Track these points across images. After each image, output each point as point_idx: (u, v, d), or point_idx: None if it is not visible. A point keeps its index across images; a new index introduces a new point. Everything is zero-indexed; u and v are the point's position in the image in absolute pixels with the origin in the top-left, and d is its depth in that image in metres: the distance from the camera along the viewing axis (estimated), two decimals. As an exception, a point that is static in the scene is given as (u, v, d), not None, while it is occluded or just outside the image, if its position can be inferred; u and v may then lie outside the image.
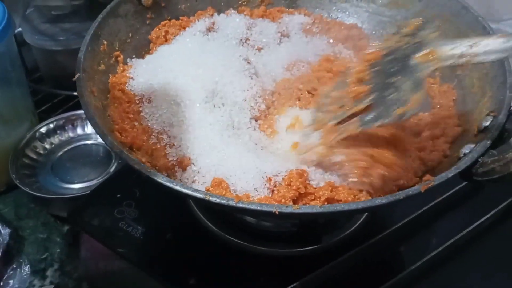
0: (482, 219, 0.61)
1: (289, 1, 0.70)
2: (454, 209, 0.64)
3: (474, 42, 0.41)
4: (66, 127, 0.79)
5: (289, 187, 0.43)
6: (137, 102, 0.52)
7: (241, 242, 0.56)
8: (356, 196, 0.43)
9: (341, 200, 0.42)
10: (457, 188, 0.63)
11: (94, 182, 0.71)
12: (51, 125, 0.78)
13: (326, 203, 0.42)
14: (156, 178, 0.39)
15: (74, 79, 0.49)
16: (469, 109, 0.52)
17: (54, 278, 0.66)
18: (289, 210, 0.37)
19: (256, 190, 0.43)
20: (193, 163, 0.46)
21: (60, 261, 0.68)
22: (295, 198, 0.42)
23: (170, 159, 0.47)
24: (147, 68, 0.56)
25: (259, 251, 0.56)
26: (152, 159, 0.47)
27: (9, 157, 0.71)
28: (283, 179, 0.44)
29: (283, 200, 0.42)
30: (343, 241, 0.57)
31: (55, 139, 0.78)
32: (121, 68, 0.57)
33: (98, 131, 0.43)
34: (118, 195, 0.61)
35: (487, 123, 0.45)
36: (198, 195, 0.38)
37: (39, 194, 0.67)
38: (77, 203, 0.61)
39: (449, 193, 0.63)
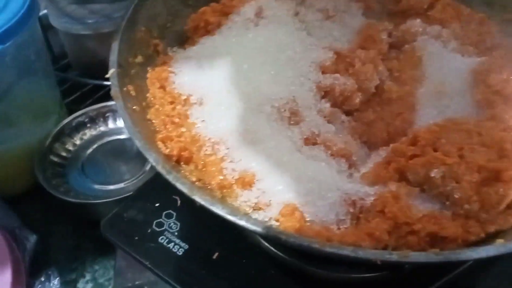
0: None
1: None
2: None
3: None
4: (96, 120, 0.72)
5: (382, 214, 0.34)
6: (183, 103, 0.44)
7: (298, 262, 0.48)
8: (466, 229, 0.34)
9: (447, 238, 0.33)
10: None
11: (128, 183, 0.65)
12: (81, 119, 0.71)
13: (428, 239, 0.33)
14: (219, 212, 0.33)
15: (108, 75, 0.41)
16: None
17: (86, 290, 0.60)
18: (394, 258, 0.29)
19: (338, 218, 0.35)
20: (257, 181, 0.38)
21: (92, 271, 0.63)
22: (390, 230, 0.34)
23: (227, 175, 0.38)
24: (191, 63, 0.47)
25: (319, 274, 0.48)
26: (204, 174, 0.39)
27: (35, 155, 0.65)
28: (371, 204, 0.35)
29: (377, 233, 0.33)
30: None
31: (85, 134, 0.72)
32: (161, 60, 0.48)
33: (140, 145, 0.36)
34: (157, 204, 0.54)
35: None
36: (271, 233, 0.30)
37: (68, 199, 0.61)
38: (109, 209, 0.54)
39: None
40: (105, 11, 0.75)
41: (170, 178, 0.35)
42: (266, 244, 0.50)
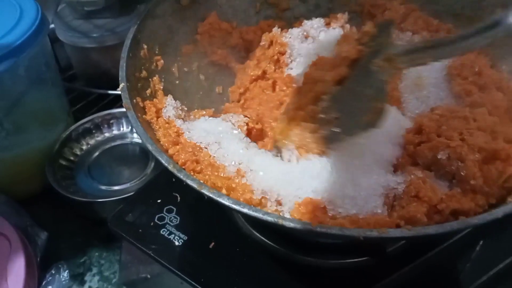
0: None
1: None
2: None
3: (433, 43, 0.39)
4: (101, 127, 0.77)
5: (417, 199, 0.39)
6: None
7: (288, 251, 0.53)
8: (475, 202, 0.39)
9: (463, 212, 0.39)
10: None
11: (131, 183, 0.70)
12: (87, 125, 0.76)
13: (450, 216, 0.39)
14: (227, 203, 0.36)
15: (118, 89, 0.46)
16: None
17: (93, 283, 0.65)
18: (375, 234, 0.33)
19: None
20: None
21: (98, 265, 0.66)
22: (426, 212, 0.39)
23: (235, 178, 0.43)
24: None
25: (308, 262, 0.53)
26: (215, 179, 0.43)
27: (45, 159, 0.70)
28: (404, 191, 0.40)
29: (418, 216, 0.38)
30: (400, 251, 0.53)
31: (91, 139, 0.76)
32: (155, 89, 0.52)
33: (152, 149, 0.40)
34: (159, 200, 0.58)
35: None
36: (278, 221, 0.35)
37: (77, 198, 0.65)
38: (114, 207, 0.59)
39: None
40: (109, 25, 0.80)
41: (182, 175, 0.39)
42: (258, 234, 0.54)
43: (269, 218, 0.35)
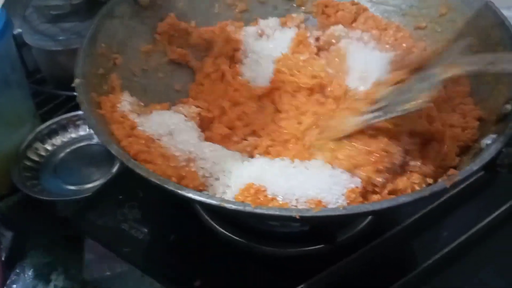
0: (498, 212, 0.59)
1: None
2: (467, 202, 0.62)
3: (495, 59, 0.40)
4: (68, 128, 0.78)
5: None
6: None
7: (247, 242, 0.55)
8: (414, 183, 0.42)
9: (400, 190, 0.41)
10: (471, 180, 0.61)
11: (97, 182, 0.70)
12: (53, 126, 0.76)
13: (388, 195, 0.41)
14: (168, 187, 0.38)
15: (73, 85, 0.47)
16: (484, 97, 0.50)
17: (58, 281, 0.65)
18: (310, 213, 0.35)
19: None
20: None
21: (64, 264, 0.67)
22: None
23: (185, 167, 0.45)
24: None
25: (266, 251, 0.55)
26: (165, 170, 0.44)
27: (10, 160, 0.70)
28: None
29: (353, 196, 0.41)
30: (351, 239, 0.55)
31: (57, 140, 0.77)
32: (112, 85, 0.53)
33: (103, 140, 0.42)
34: (121, 197, 0.60)
35: (507, 111, 0.44)
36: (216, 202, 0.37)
37: (41, 197, 0.66)
38: (79, 205, 0.60)
39: (462, 185, 0.61)
40: (75, 28, 0.81)
41: (130, 164, 0.41)
42: (218, 227, 0.56)
43: (213, 202, 0.37)
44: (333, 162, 0.44)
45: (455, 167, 0.45)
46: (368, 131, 0.44)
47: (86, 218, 0.57)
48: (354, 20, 0.62)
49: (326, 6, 0.64)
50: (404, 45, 0.58)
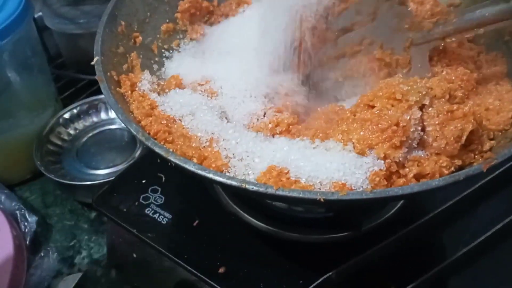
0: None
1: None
2: (500, 191, 0.59)
3: None
4: (89, 112, 0.78)
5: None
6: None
7: (272, 228, 0.53)
8: (439, 164, 0.39)
9: (427, 175, 0.39)
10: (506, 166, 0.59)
11: (119, 167, 0.70)
12: (75, 111, 0.77)
13: (414, 180, 0.39)
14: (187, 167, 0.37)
15: (92, 62, 0.46)
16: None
17: (82, 265, 0.65)
18: (335, 197, 0.34)
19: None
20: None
21: (88, 248, 0.67)
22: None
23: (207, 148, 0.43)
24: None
25: (291, 238, 0.53)
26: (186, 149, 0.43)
27: (33, 145, 0.70)
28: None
29: (377, 179, 0.38)
30: (380, 226, 0.53)
31: (79, 125, 0.77)
32: (132, 64, 0.52)
33: (122, 118, 0.41)
34: (144, 181, 0.59)
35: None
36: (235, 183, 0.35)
37: (64, 181, 0.66)
38: (102, 190, 0.59)
39: (494, 174, 0.58)
40: (96, 11, 0.80)
41: (149, 143, 0.39)
42: (241, 211, 0.55)
43: (233, 183, 0.35)
44: (347, 144, 0.42)
45: (486, 152, 0.42)
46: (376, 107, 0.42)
47: (109, 203, 0.56)
48: None
49: None
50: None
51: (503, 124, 0.43)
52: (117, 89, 0.47)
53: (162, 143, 0.43)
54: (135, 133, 0.40)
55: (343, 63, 0.53)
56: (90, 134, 0.76)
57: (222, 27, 0.60)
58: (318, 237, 0.53)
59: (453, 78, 0.45)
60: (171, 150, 0.39)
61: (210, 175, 0.37)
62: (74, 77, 0.86)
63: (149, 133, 0.43)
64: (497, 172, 0.58)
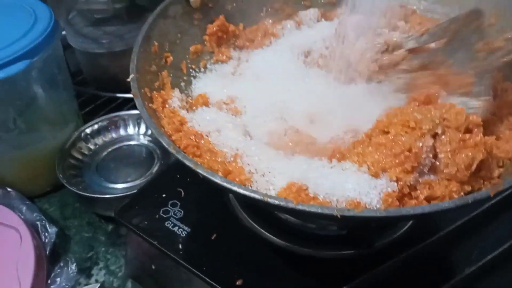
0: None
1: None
2: (506, 213, 0.61)
3: None
4: (109, 128, 0.80)
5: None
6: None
7: (287, 243, 0.55)
8: (450, 189, 0.42)
9: (438, 198, 0.41)
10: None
11: (137, 182, 0.73)
12: (95, 126, 0.79)
13: (425, 202, 0.41)
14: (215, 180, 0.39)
15: (128, 79, 0.49)
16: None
17: (99, 276, 0.67)
18: (351, 213, 0.36)
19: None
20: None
21: (105, 260, 0.69)
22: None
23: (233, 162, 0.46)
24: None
25: (306, 253, 0.55)
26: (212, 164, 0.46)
27: (55, 158, 0.73)
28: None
29: (390, 200, 0.40)
30: (391, 244, 0.55)
31: (99, 140, 0.79)
32: (163, 82, 0.55)
33: (155, 132, 0.43)
34: (164, 195, 0.61)
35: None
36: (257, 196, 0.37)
37: (86, 194, 0.68)
38: (123, 203, 0.62)
39: (502, 196, 0.60)
40: (118, 32, 0.84)
41: (180, 156, 0.41)
42: (257, 226, 0.57)
43: (256, 196, 0.38)
44: (362, 166, 0.45)
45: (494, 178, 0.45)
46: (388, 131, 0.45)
47: (131, 216, 0.59)
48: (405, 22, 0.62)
49: None
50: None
51: None
52: (150, 105, 0.50)
53: (191, 156, 0.45)
54: (167, 146, 0.43)
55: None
56: (109, 149, 0.79)
57: (251, 54, 0.63)
58: (332, 253, 0.55)
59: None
60: (199, 163, 0.42)
61: (235, 188, 0.39)
62: (94, 93, 0.89)
63: (179, 147, 0.46)
64: (505, 194, 0.60)
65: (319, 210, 0.37)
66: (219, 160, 0.45)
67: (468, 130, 0.45)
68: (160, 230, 0.57)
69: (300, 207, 0.37)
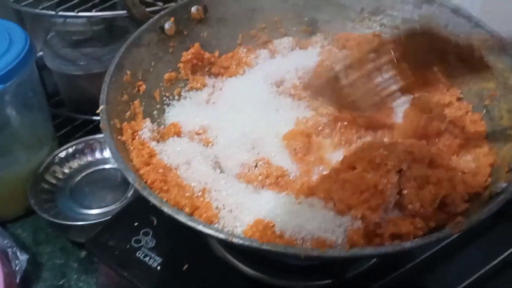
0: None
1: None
2: (477, 241, 0.61)
3: None
4: (85, 151, 0.79)
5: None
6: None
7: (260, 274, 0.55)
8: (414, 225, 0.42)
9: (402, 235, 0.41)
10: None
11: (112, 207, 0.72)
12: (70, 150, 0.78)
13: (390, 239, 0.41)
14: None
15: (98, 111, 0.48)
16: (498, 142, 0.51)
17: (71, 304, 0.66)
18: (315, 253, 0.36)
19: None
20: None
21: (77, 287, 0.68)
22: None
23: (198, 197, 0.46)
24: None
25: (279, 284, 0.55)
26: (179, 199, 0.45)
27: (28, 182, 0.72)
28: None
29: (355, 238, 0.41)
30: (363, 274, 0.55)
31: (74, 164, 0.78)
32: (135, 112, 0.55)
33: (122, 167, 0.43)
34: (136, 223, 0.60)
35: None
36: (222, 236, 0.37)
37: (57, 221, 0.67)
38: (94, 230, 0.61)
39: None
40: (96, 54, 0.83)
41: (145, 193, 0.41)
42: (230, 256, 0.56)
43: (221, 236, 0.38)
44: (328, 202, 0.45)
45: (460, 214, 0.45)
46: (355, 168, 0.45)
47: (102, 245, 0.58)
48: None
49: (347, 40, 0.66)
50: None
51: (478, 187, 0.46)
52: (119, 137, 0.49)
53: (157, 192, 0.45)
54: (132, 182, 0.42)
55: None
56: (84, 173, 0.77)
57: (225, 82, 0.64)
58: (305, 284, 0.55)
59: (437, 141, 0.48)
60: (164, 200, 0.42)
61: (200, 227, 0.39)
62: (70, 116, 0.88)
63: (146, 182, 0.45)
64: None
65: (283, 250, 0.37)
66: (187, 195, 0.45)
67: (431, 163, 0.46)
68: (131, 261, 0.56)
69: (264, 247, 0.37)
